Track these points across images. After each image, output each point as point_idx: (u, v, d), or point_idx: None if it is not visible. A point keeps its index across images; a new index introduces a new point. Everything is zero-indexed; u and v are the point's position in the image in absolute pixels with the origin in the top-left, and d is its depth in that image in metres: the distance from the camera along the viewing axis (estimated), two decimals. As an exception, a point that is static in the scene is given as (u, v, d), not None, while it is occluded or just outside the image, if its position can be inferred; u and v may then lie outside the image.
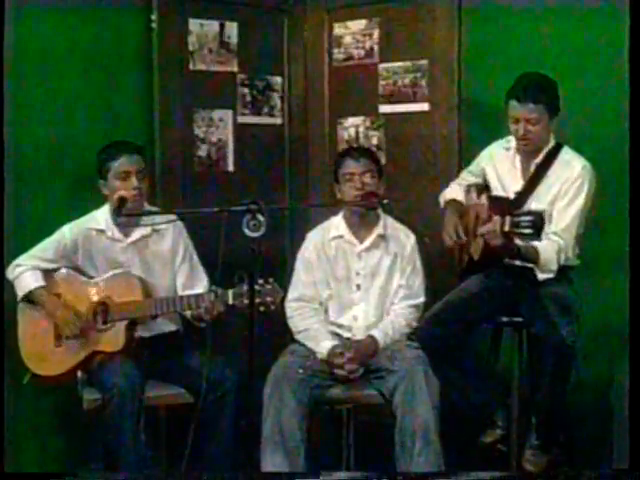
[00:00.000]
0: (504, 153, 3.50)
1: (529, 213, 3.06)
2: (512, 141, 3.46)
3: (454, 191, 3.61)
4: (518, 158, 3.45)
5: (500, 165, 3.50)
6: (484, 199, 3.39)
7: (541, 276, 3.31)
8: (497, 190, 3.47)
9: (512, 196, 3.37)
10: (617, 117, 3.47)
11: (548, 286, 3.32)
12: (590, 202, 3.33)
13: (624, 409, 3.21)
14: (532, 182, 3.37)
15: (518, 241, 3.17)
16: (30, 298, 3.34)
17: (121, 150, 3.35)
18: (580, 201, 3.30)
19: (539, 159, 3.38)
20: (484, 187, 3.53)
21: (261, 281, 2.95)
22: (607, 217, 3.58)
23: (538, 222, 2.99)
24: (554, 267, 3.26)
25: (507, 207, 3.21)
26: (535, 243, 3.20)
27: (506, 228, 3.06)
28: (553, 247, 3.24)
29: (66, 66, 3.70)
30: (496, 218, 3.10)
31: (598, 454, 3.54)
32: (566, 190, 3.30)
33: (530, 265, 3.37)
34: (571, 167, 3.33)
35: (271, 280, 3.00)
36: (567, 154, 3.38)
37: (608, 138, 3.66)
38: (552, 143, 3.39)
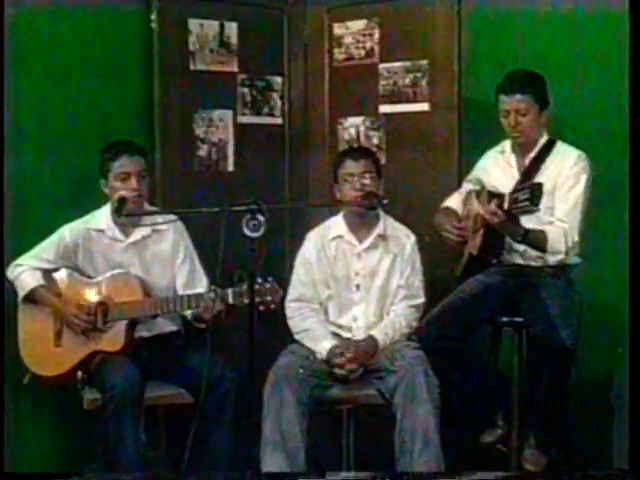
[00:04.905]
0: (498, 156, 3.53)
1: (527, 186, 3.07)
2: (506, 145, 3.50)
3: (451, 200, 3.62)
4: (513, 157, 3.47)
5: (495, 168, 3.52)
6: (485, 196, 3.38)
7: (552, 259, 3.33)
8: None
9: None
10: (617, 117, 3.48)
11: (549, 287, 3.32)
12: (589, 192, 3.34)
13: (624, 409, 3.21)
14: (528, 174, 3.38)
15: (525, 224, 3.20)
16: (31, 297, 3.33)
17: (122, 150, 3.34)
18: (580, 187, 3.32)
19: (534, 153, 3.41)
20: (482, 191, 3.53)
21: (260, 280, 2.95)
22: (607, 215, 3.58)
23: (536, 192, 3.00)
24: (562, 249, 3.28)
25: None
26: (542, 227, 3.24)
27: (505, 206, 3.09)
28: (559, 230, 3.27)
29: (66, 66, 3.69)
30: (495, 200, 3.13)
31: (598, 454, 3.53)
32: (565, 178, 3.33)
33: (529, 263, 3.38)
34: (566, 157, 3.36)
35: (270, 279, 3.01)
36: (561, 147, 3.41)
37: (608, 138, 3.67)
38: (545, 138, 3.42)
